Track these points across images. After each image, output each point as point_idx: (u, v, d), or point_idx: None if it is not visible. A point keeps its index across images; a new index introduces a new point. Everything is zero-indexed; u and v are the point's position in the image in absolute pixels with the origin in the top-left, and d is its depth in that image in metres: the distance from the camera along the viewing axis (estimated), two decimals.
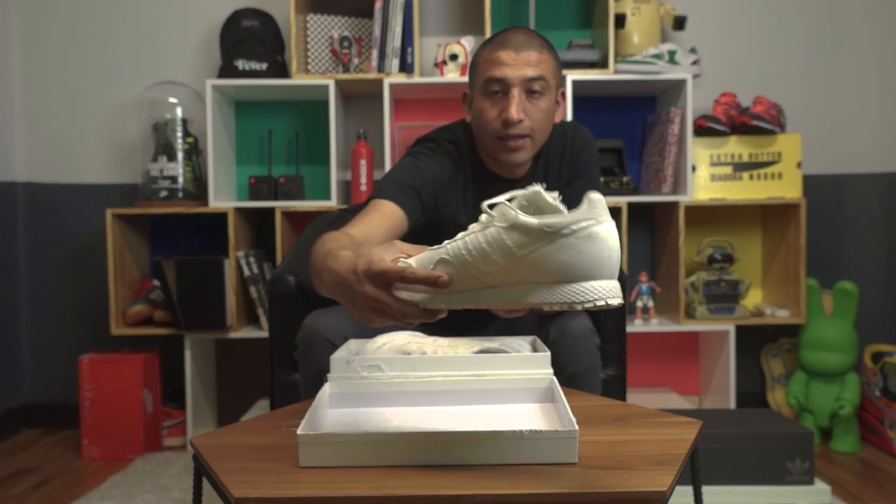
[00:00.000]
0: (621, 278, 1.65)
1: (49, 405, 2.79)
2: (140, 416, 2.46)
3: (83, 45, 2.77)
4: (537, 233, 0.76)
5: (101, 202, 2.76)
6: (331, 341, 1.36)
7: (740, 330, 2.70)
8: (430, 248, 0.87)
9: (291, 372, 1.65)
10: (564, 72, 2.44)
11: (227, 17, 2.55)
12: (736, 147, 2.54)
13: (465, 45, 2.52)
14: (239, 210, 2.53)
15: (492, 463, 0.87)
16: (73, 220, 2.78)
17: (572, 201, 1.51)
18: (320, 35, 2.62)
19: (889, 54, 2.77)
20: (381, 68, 2.49)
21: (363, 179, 2.54)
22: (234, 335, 2.47)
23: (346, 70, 2.55)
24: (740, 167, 2.55)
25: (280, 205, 2.47)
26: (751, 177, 2.55)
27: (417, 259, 0.86)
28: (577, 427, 0.87)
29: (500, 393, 1.09)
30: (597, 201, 0.76)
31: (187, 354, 2.48)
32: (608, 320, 1.65)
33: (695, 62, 2.54)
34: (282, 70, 2.58)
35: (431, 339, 1.22)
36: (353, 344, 1.29)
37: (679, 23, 2.56)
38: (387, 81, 2.44)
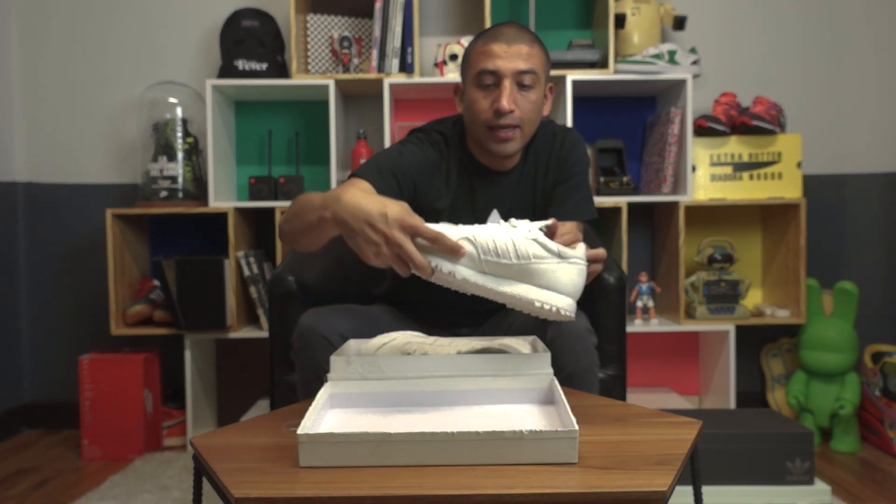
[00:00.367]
0: (622, 278, 1.67)
1: (49, 405, 2.79)
2: (140, 416, 2.46)
3: (83, 46, 2.77)
4: (552, 252, 1.07)
5: (101, 202, 2.76)
6: (328, 339, 1.36)
7: (740, 330, 2.70)
8: (451, 225, 1.06)
9: (291, 372, 1.65)
10: (564, 72, 2.45)
11: (227, 17, 2.55)
12: (736, 147, 2.54)
13: (465, 45, 2.52)
14: (239, 210, 2.53)
15: (492, 463, 0.87)
16: (73, 220, 2.78)
17: (557, 202, 1.54)
18: (320, 35, 2.62)
19: (889, 54, 2.77)
20: (381, 68, 2.49)
21: None
22: (234, 335, 2.47)
23: (346, 70, 2.55)
24: (740, 167, 2.55)
25: (280, 205, 2.47)
26: (751, 177, 2.55)
27: (441, 227, 1.05)
28: (577, 427, 0.87)
29: (500, 393, 1.09)
30: (582, 248, 1.11)
31: (187, 354, 2.48)
32: (608, 320, 1.66)
33: (695, 62, 2.54)
34: (282, 70, 2.58)
35: (431, 339, 1.22)
36: (352, 344, 1.29)
37: (679, 23, 2.56)
38: (387, 81, 2.44)
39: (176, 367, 2.73)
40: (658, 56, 2.49)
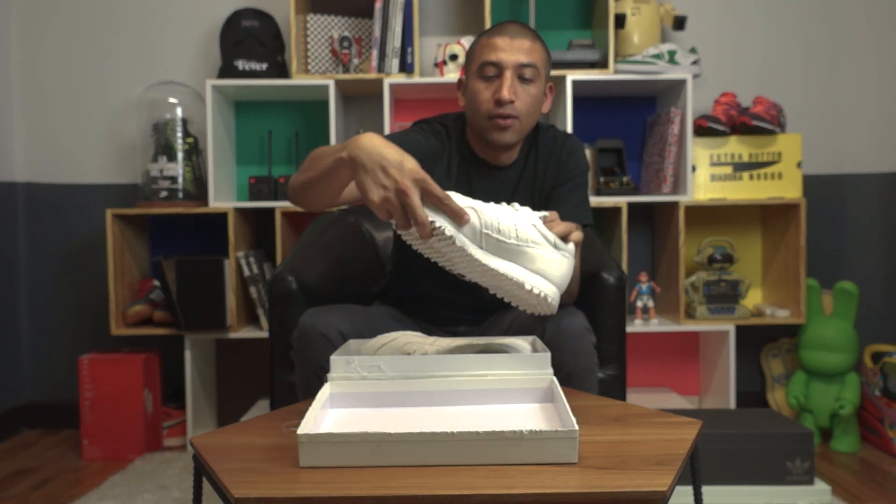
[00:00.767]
0: (621, 278, 1.67)
1: (49, 405, 2.79)
2: (140, 416, 2.46)
3: (83, 46, 2.77)
4: (549, 241, 1.12)
5: (101, 202, 2.76)
6: (328, 339, 1.37)
7: (740, 330, 2.70)
8: (460, 195, 1.10)
9: (291, 372, 1.65)
10: (564, 72, 2.45)
11: (227, 18, 2.55)
12: (736, 147, 2.54)
13: (465, 45, 2.51)
14: (239, 210, 2.53)
15: (492, 463, 0.87)
16: (73, 220, 2.78)
17: (554, 203, 1.55)
18: (320, 35, 2.62)
19: (889, 54, 2.77)
20: (381, 68, 2.49)
21: None
22: (234, 335, 2.47)
23: (346, 70, 2.55)
24: (740, 167, 2.55)
25: (280, 205, 2.47)
26: (751, 177, 2.55)
27: (450, 193, 1.08)
28: (577, 427, 0.87)
29: (500, 393, 1.09)
30: (572, 245, 1.16)
31: (187, 354, 2.48)
32: (608, 320, 1.65)
33: (695, 62, 2.54)
34: (282, 70, 2.58)
35: (431, 339, 1.22)
36: (352, 344, 1.29)
37: (679, 23, 2.56)
38: (387, 81, 2.44)
39: (176, 367, 2.73)
40: (658, 56, 2.49)
